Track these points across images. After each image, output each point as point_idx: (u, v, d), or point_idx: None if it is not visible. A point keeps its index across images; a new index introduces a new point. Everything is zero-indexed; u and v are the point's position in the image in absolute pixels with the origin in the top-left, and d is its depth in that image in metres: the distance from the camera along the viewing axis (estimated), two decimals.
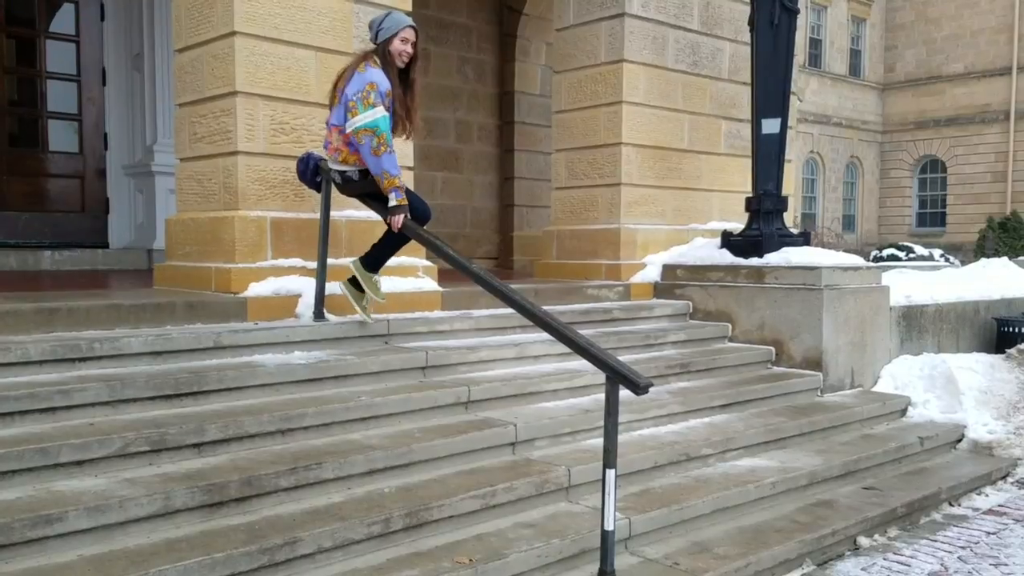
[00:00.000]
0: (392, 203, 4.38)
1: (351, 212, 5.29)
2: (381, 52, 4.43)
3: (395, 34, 4.42)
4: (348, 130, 4.34)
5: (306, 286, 4.97)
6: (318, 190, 4.96)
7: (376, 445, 3.87)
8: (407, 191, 4.52)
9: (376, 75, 4.33)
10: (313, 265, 4.97)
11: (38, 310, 4.17)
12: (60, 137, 8.49)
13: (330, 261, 4.95)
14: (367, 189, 4.53)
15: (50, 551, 2.92)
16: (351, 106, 4.31)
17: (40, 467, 3.23)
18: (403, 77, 4.52)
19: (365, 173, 4.48)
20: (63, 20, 8.43)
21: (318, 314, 4.87)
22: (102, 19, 8.53)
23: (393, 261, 5.45)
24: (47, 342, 3.89)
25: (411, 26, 4.49)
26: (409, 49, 4.49)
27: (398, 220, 4.39)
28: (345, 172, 4.56)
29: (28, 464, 3.20)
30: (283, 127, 5.13)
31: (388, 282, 5.38)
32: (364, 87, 4.29)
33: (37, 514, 2.91)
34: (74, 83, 8.48)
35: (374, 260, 4.72)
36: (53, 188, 8.43)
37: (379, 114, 4.27)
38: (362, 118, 4.27)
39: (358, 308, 4.76)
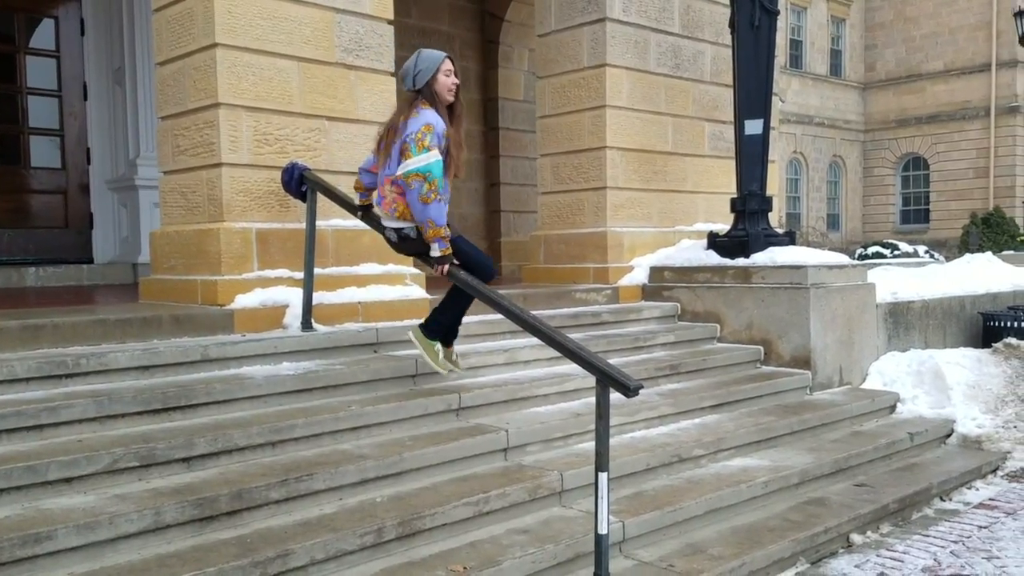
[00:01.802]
0: (435, 253, 4.12)
1: (337, 221, 5.28)
2: (429, 95, 4.13)
3: (436, 71, 4.14)
4: (399, 173, 4.02)
5: (293, 297, 4.96)
6: (303, 200, 4.96)
7: (367, 454, 3.85)
8: (469, 244, 4.32)
9: (431, 116, 4.05)
10: (300, 275, 4.96)
11: (23, 327, 4.14)
12: (42, 153, 8.44)
13: (317, 270, 4.94)
14: (427, 248, 4.17)
15: (39, 570, 2.89)
16: (404, 148, 4.03)
17: (28, 485, 3.20)
18: (449, 111, 4.23)
19: None
20: (43, 35, 8.39)
21: (306, 324, 4.85)
22: (82, 34, 8.49)
23: (379, 269, 5.48)
24: (33, 359, 3.86)
25: (448, 57, 4.23)
26: (454, 80, 4.22)
27: (444, 267, 4.14)
28: (402, 229, 4.21)
29: (16, 482, 3.17)
30: (267, 138, 5.12)
31: (376, 290, 5.38)
32: (420, 128, 4.00)
33: (26, 533, 2.88)
34: (55, 98, 8.44)
35: (437, 326, 4.45)
36: (36, 204, 8.37)
37: (433, 158, 3.97)
38: (415, 162, 3.96)
39: (435, 364, 4.48)
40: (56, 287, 7.79)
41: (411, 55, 4.25)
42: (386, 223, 4.27)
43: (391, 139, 4.14)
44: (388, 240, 4.35)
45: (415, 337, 4.47)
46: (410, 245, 4.28)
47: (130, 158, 8.38)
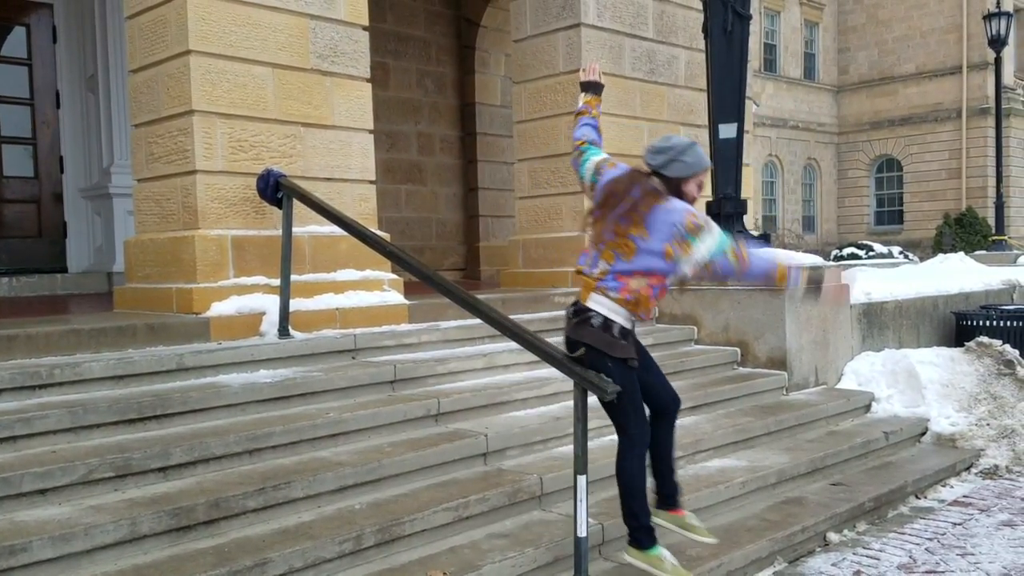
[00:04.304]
0: (799, 286, 3.41)
1: (314, 228, 5.27)
2: (674, 188, 3.37)
3: (695, 174, 3.41)
4: (694, 263, 3.28)
5: (270, 304, 4.93)
6: (279, 206, 4.94)
7: (346, 461, 3.84)
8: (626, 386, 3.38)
9: (683, 204, 3.33)
10: (277, 282, 4.93)
11: None
12: (14, 162, 8.34)
13: (294, 277, 4.92)
14: (605, 347, 3.35)
15: None
16: (677, 247, 3.25)
17: (2, 497, 3.16)
18: None
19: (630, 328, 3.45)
20: (14, 43, 8.30)
21: (283, 331, 4.84)
22: (54, 41, 8.41)
23: (357, 275, 5.46)
24: (6, 370, 3.82)
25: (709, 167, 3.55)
26: (698, 195, 3.49)
27: (837, 291, 3.56)
28: (620, 325, 3.37)
29: None
30: (241, 145, 5.10)
31: (354, 296, 5.36)
32: (683, 219, 3.26)
33: (0, 545, 2.85)
34: (27, 107, 8.35)
35: (635, 520, 3.48)
36: (9, 213, 8.28)
37: (717, 234, 3.28)
38: (704, 247, 3.25)
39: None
40: (30, 297, 7.70)
41: (679, 139, 3.47)
42: (612, 316, 3.34)
43: (634, 232, 3.31)
44: (579, 334, 3.38)
45: (633, 559, 3.51)
46: (592, 334, 3.35)
47: (104, 166, 8.32)
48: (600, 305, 3.34)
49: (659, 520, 3.58)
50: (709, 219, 3.33)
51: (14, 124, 8.30)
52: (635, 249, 3.29)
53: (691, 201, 3.40)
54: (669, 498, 3.66)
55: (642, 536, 3.46)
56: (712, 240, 3.26)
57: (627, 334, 3.39)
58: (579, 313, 3.39)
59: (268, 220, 5.16)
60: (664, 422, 3.59)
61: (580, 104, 3.90)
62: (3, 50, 8.28)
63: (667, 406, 3.61)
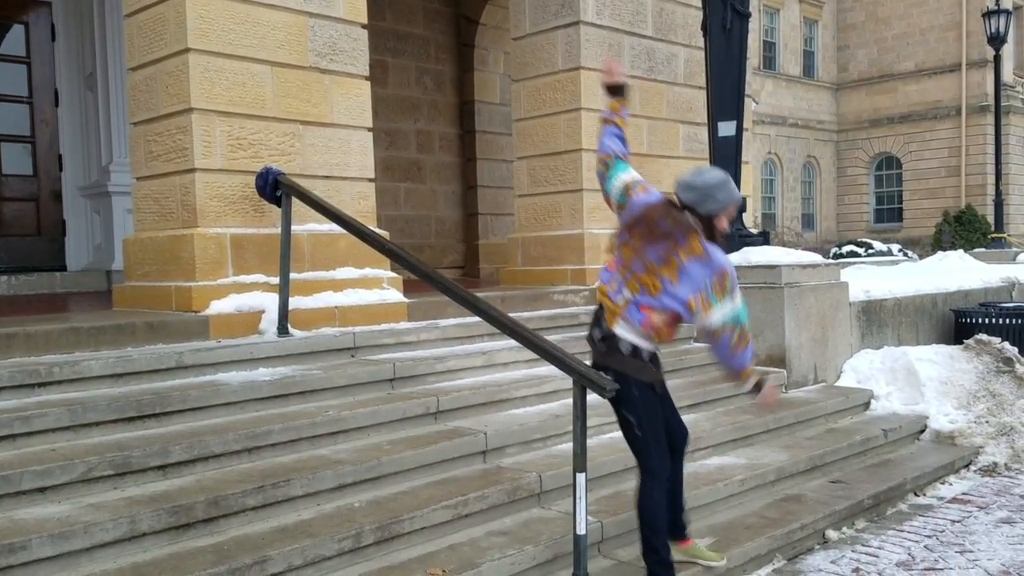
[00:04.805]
0: (749, 387, 3.51)
1: (313, 226, 5.26)
2: (707, 223, 3.33)
3: (726, 208, 3.38)
4: (707, 324, 3.30)
5: (269, 302, 4.93)
6: (278, 205, 4.94)
7: (345, 459, 3.85)
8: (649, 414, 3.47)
9: (724, 259, 3.31)
10: (276, 280, 4.93)
11: None
12: (13, 160, 8.33)
13: (293, 275, 4.92)
14: (633, 372, 3.39)
15: None
16: (699, 301, 3.26)
17: (1, 495, 3.16)
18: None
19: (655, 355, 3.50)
20: (13, 41, 8.29)
21: (282, 330, 4.83)
22: (53, 39, 8.40)
23: (356, 273, 5.46)
24: (5, 368, 3.81)
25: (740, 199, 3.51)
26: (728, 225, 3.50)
27: (771, 392, 3.54)
28: (648, 351, 3.43)
29: None
30: (240, 143, 5.10)
31: (353, 295, 5.36)
32: (713, 278, 3.25)
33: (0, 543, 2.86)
34: (26, 105, 8.34)
35: (654, 555, 3.47)
36: (8, 212, 8.27)
37: (738, 304, 3.32)
38: (720, 314, 3.27)
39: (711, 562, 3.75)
40: (29, 295, 7.70)
41: (713, 172, 3.45)
42: (639, 342, 3.37)
43: (667, 275, 3.29)
44: (609, 361, 3.41)
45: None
46: (623, 361, 3.39)
47: (103, 164, 8.31)
48: (627, 332, 3.37)
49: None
50: (737, 287, 3.33)
51: (13, 122, 8.29)
52: (661, 289, 3.30)
53: (722, 232, 3.41)
54: (679, 531, 3.72)
55: (662, 572, 3.46)
56: (731, 309, 3.28)
57: (654, 359, 3.45)
58: (607, 339, 3.40)
59: (267, 218, 5.16)
60: (673, 457, 3.61)
61: (605, 111, 3.78)
62: (2, 48, 8.26)
63: (677, 443, 3.64)
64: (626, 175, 3.63)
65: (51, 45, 8.41)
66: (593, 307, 6.94)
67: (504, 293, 6.53)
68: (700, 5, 7.16)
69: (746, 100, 7.12)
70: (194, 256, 4.89)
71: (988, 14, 16.63)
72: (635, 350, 3.37)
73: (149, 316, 4.77)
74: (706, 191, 3.34)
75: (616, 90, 3.77)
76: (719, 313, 3.27)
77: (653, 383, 3.43)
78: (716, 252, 3.30)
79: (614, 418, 4.98)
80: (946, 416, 6.05)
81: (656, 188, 3.65)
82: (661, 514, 3.47)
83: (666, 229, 3.31)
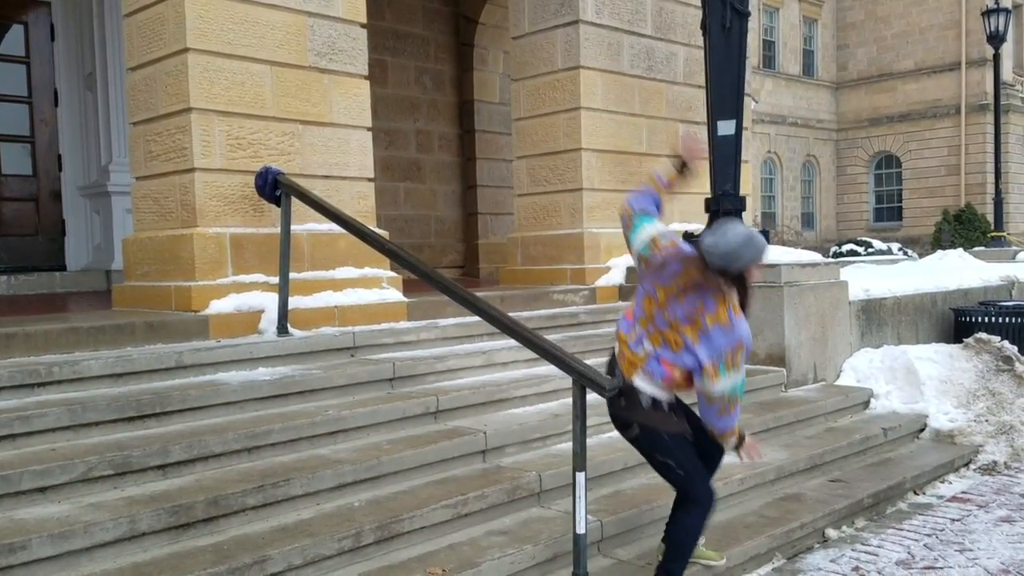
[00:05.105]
0: (731, 447, 3.58)
1: (312, 225, 5.27)
2: (739, 280, 3.31)
3: (754, 261, 3.34)
4: (710, 389, 3.33)
5: (269, 301, 4.93)
6: (278, 204, 4.94)
7: (345, 459, 3.85)
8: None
9: (746, 332, 3.32)
10: (275, 280, 4.93)
11: None
12: (13, 160, 8.34)
13: (292, 275, 4.92)
14: (659, 424, 3.41)
15: None
16: (711, 366, 3.28)
17: (1, 495, 3.16)
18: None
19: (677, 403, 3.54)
20: (12, 41, 8.29)
21: (282, 329, 4.83)
22: (52, 39, 8.40)
23: (356, 273, 5.46)
24: (4, 368, 3.81)
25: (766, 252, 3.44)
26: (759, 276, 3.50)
27: (753, 447, 3.60)
28: (668, 402, 3.45)
29: None
30: (240, 142, 5.10)
31: (352, 294, 5.37)
32: (727, 351, 3.27)
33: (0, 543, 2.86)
34: (26, 105, 8.34)
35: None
36: (7, 211, 8.27)
37: (740, 377, 3.36)
38: (723, 384, 3.31)
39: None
40: (28, 295, 7.70)
41: (740, 228, 3.37)
42: (658, 393, 3.37)
43: (699, 330, 3.28)
44: (628, 412, 3.40)
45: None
46: (647, 415, 3.39)
47: (102, 164, 8.31)
48: (647, 384, 3.36)
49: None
50: (745, 360, 3.35)
51: (12, 122, 8.29)
52: (683, 346, 3.30)
53: (750, 286, 3.36)
54: None
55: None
56: (734, 380, 3.32)
57: (675, 409, 3.45)
58: (626, 393, 3.38)
59: (267, 218, 5.16)
60: (709, 468, 3.63)
61: (661, 175, 3.71)
62: (1, 48, 8.26)
63: (714, 452, 3.65)
64: (652, 228, 3.59)
65: (50, 45, 8.41)
66: (593, 306, 6.97)
67: (504, 292, 6.53)
68: (699, 4, 7.14)
69: (746, 99, 7.11)
70: (194, 256, 4.89)
71: (987, 13, 16.62)
72: (655, 403, 3.37)
73: (149, 316, 4.77)
74: (733, 255, 3.26)
75: (683, 167, 3.70)
76: (723, 383, 3.31)
77: (683, 433, 3.44)
78: (740, 323, 3.31)
79: None
80: (946, 415, 6.05)
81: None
82: (695, 542, 3.53)
83: (703, 298, 3.29)
